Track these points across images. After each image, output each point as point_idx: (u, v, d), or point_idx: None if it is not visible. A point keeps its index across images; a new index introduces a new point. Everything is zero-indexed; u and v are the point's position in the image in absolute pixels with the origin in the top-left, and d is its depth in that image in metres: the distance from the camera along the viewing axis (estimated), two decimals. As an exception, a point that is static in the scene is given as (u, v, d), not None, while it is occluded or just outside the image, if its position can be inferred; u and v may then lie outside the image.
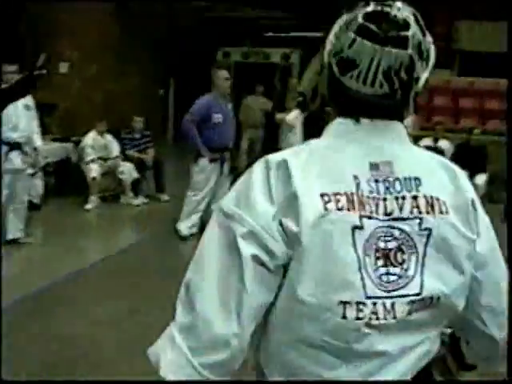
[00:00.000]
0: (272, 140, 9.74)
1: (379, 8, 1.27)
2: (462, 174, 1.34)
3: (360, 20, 1.26)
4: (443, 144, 9.67)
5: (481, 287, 1.31)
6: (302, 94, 11.46)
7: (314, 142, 1.33)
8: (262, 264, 1.17)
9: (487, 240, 1.31)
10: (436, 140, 9.71)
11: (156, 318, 3.35)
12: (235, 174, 10.24)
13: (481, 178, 9.25)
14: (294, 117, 9.53)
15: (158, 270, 5.93)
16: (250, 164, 1.19)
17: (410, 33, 1.27)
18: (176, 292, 1.26)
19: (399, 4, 1.28)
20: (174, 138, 16.98)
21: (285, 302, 1.21)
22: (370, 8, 1.27)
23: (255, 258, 1.16)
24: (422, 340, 1.27)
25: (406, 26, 1.26)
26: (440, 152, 9.69)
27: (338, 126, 1.33)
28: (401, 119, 1.33)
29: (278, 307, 1.22)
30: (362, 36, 1.25)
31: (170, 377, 1.16)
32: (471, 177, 9.26)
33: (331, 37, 1.35)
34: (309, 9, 18.56)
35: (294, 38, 18.83)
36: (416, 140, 10.15)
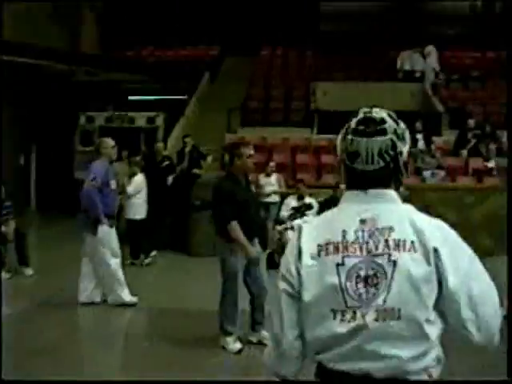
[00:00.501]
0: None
1: (364, 115, 2.01)
2: (427, 227, 1.88)
3: (353, 125, 2.00)
4: (308, 201, 9.96)
5: (460, 305, 1.82)
6: (168, 157, 11.53)
7: (329, 211, 2.06)
8: (289, 294, 1.95)
9: (455, 273, 1.83)
10: (301, 197, 9.97)
11: None
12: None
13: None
14: (140, 180, 9.78)
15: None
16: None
17: (386, 125, 1.97)
18: None
19: (377, 109, 2.03)
20: (37, 207, 16.37)
21: (304, 314, 1.93)
22: (359, 116, 2.02)
23: (285, 290, 1.96)
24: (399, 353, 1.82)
25: (383, 121, 1.98)
26: (309, 207, 10.00)
27: (346, 195, 2.02)
28: (389, 185, 1.97)
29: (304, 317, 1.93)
30: (357, 135, 1.97)
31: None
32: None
33: (338, 141, 2.06)
34: (171, 72, 18.85)
35: (157, 102, 18.97)
36: (283, 198, 10.42)
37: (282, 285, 1.96)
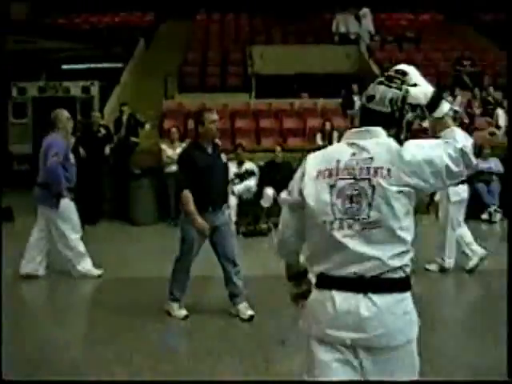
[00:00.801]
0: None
1: (394, 69, 2.60)
2: (400, 154, 2.36)
3: (380, 78, 2.55)
4: (249, 166, 9.99)
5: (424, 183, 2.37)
6: (105, 126, 11.33)
7: (331, 146, 2.71)
8: (290, 205, 2.59)
9: (410, 154, 2.36)
10: (241, 163, 9.99)
11: None
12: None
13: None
14: None
15: None
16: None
17: (407, 77, 2.51)
18: None
19: (406, 67, 2.59)
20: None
21: (307, 222, 2.50)
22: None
23: (287, 202, 2.60)
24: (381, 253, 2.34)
25: (404, 74, 2.51)
26: (251, 173, 10.04)
27: (347, 133, 2.55)
28: (385, 127, 2.45)
29: (306, 225, 2.51)
30: (378, 84, 2.49)
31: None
32: (278, 194, 9.66)
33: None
34: (106, 40, 18.44)
35: (92, 70, 18.54)
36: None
37: (287, 199, 2.62)
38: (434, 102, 2.50)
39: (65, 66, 19.73)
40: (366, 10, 17.85)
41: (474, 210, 10.24)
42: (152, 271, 7.05)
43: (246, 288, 5.56)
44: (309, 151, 8.93)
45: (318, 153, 2.60)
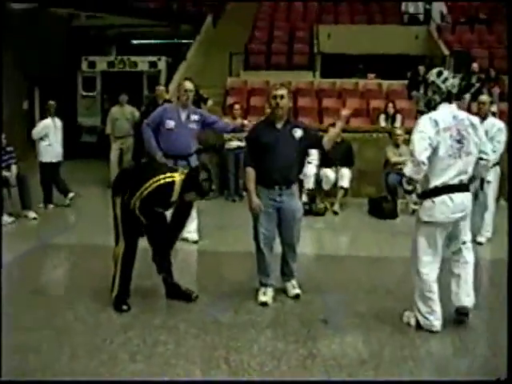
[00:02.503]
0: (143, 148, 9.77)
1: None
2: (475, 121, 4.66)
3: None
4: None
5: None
6: (169, 101, 11.49)
7: (435, 113, 4.52)
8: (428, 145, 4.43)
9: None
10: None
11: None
12: (107, 185, 10.16)
13: (346, 172, 9.60)
14: (44, 125, 9.80)
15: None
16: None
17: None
18: None
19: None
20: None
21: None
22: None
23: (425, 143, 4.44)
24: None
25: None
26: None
27: (441, 105, 4.51)
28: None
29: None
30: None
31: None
32: (337, 171, 9.64)
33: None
34: (174, 16, 18.62)
35: (160, 46, 18.82)
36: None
37: (425, 136, 4.36)
38: None
39: (134, 42, 20.11)
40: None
41: None
42: (210, 245, 7.23)
43: (298, 266, 5.59)
44: (371, 132, 9.07)
45: (434, 116, 4.44)
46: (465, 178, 4.53)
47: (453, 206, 4.48)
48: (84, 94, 16.82)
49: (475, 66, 13.63)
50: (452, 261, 4.81)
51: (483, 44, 16.62)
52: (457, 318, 4.79)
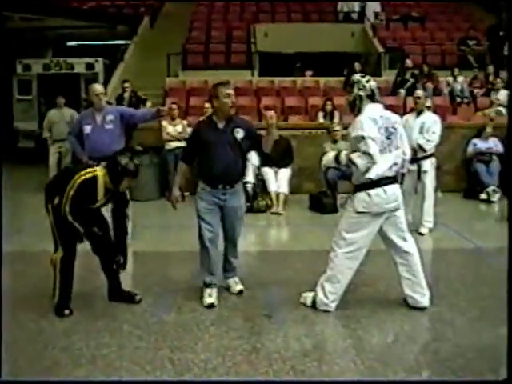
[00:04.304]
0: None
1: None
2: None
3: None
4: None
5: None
6: (108, 102, 11.36)
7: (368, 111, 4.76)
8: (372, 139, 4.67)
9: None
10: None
11: None
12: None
13: (285, 176, 9.70)
14: None
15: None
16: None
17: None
18: None
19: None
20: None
21: None
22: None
23: (371, 138, 4.67)
24: None
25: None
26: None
27: (370, 106, 4.77)
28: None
29: None
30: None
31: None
32: (276, 173, 9.73)
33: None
34: (111, 17, 18.41)
35: (96, 47, 18.55)
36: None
37: (373, 137, 4.58)
38: None
39: (70, 43, 19.76)
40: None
41: (473, 189, 10.34)
42: (149, 245, 7.21)
43: (241, 263, 5.68)
44: (310, 129, 9.24)
45: (369, 113, 4.69)
46: (394, 170, 4.81)
47: (386, 197, 4.74)
48: (19, 97, 16.48)
49: (409, 62, 13.93)
50: (395, 253, 4.97)
51: (416, 41, 17.04)
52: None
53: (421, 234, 7.66)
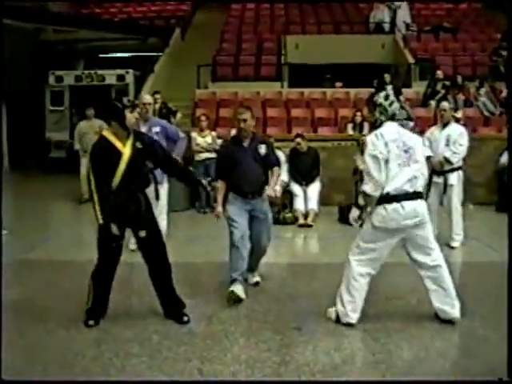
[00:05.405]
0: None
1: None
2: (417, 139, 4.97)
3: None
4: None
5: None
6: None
7: (384, 129, 4.80)
8: (377, 159, 4.68)
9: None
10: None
11: None
12: (78, 200, 10.11)
13: (314, 192, 9.67)
14: None
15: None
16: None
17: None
18: None
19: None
20: (10, 165, 16.23)
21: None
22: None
23: (376, 157, 4.69)
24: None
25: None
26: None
27: (387, 123, 4.82)
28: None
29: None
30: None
31: None
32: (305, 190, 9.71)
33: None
34: (142, 29, 18.64)
35: (128, 59, 18.79)
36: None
37: (376, 153, 4.62)
38: None
39: (102, 55, 20.04)
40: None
41: (505, 202, 10.18)
42: (182, 256, 7.22)
43: (269, 275, 5.78)
44: (339, 141, 9.22)
45: (383, 132, 4.71)
46: (416, 185, 4.76)
47: (404, 214, 4.68)
48: (52, 108, 16.71)
49: (439, 73, 13.84)
50: (420, 269, 4.92)
51: (448, 52, 16.92)
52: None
53: (451, 247, 7.56)
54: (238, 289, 5.52)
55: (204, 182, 5.33)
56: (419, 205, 4.76)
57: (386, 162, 4.65)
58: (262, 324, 4.98)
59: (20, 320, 5.12)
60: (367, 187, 4.73)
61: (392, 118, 4.82)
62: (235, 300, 5.45)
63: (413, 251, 4.87)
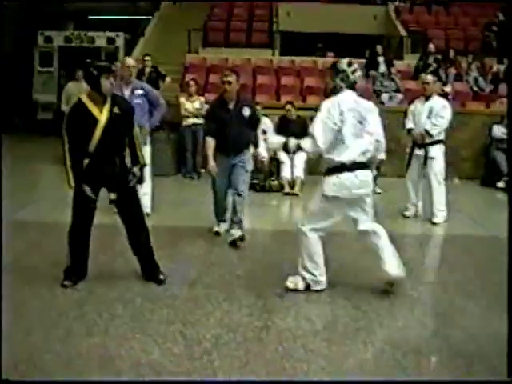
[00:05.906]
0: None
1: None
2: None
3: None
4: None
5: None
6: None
7: (342, 96, 4.72)
8: (329, 125, 4.58)
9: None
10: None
11: None
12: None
13: (300, 160, 9.64)
14: None
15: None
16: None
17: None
18: None
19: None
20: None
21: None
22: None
23: (328, 123, 4.59)
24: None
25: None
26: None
27: (345, 91, 4.74)
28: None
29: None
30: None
31: None
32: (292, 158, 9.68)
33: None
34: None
35: (118, 21, 18.55)
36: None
37: (328, 121, 4.53)
38: None
39: (91, 17, 19.77)
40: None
41: (491, 177, 10.27)
42: (164, 220, 7.24)
43: (254, 241, 5.76)
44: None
45: (339, 99, 4.64)
46: (367, 156, 4.79)
47: (358, 183, 4.73)
48: (40, 69, 16.52)
49: (432, 46, 13.79)
50: (366, 236, 4.97)
51: (440, 25, 16.84)
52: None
53: (433, 223, 7.59)
54: (219, 228, 6.53)
55: (135, 169, 5.04)
56: (369, 175, 4.82)
57: (339, 131, 4.62)
58: (246, 289, 5.03)
59: (5, 281, 5.12)
60: (307, 144, 4.72)
61: (352, 86, 4.77)
62: (216, 234, 6.51)
63: (355, 216, 4.91)
